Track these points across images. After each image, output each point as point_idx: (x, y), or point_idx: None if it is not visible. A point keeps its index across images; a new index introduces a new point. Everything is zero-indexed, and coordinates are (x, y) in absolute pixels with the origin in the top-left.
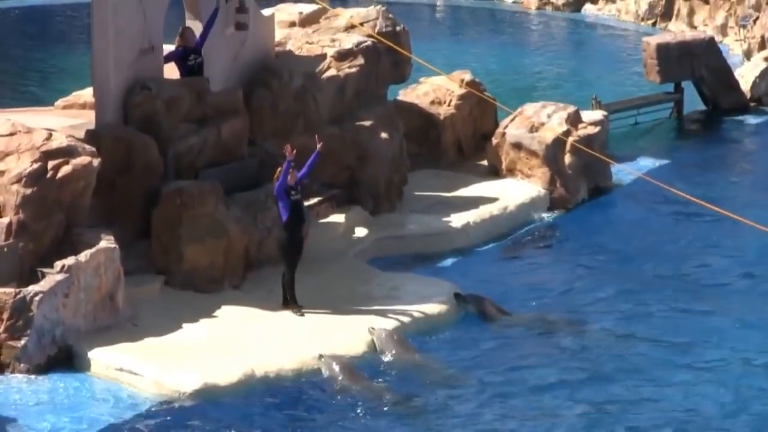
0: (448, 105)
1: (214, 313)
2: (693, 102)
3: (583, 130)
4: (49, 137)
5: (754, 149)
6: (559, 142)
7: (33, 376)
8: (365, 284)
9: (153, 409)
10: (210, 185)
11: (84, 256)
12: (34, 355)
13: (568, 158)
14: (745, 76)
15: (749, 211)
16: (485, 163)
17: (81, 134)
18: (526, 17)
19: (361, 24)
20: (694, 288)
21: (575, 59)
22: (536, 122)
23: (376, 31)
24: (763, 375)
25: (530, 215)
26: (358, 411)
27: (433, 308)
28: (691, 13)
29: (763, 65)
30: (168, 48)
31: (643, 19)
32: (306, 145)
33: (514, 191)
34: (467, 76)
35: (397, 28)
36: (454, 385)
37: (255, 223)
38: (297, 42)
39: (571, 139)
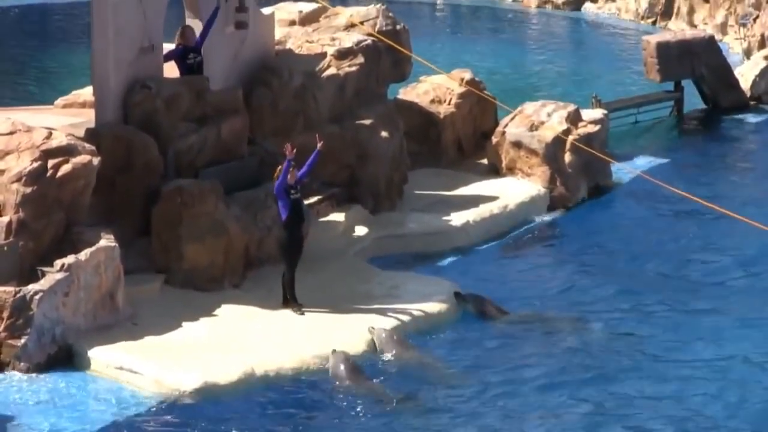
0: (448, 104)
1: (214, 312)
2: (693, 101)
3: (583, 129)
4: (49, 136)
5: (754, 148)
6: (559, 141)
7: (33, 375)
8: (365, 283)
9: (153, 407)
10: (210, 184)
11: (84, 254)
12: (34, 354)
13: (568, 157)
14: (745, 75)
15: (749, 210)
16: (485, 161)
17: (81, 133)
18: (526, 16)
19: (361, 23)
20: (694, 286)
21: (575, 58)
22: (536, 121)
23: (376, 29)
24: (764, 373)
25: (530, 214)
26: (358, 410)
27: (433, 307)
28: (691, 11)
29: (763, 64)
30: (168, 47)
31: (643, 18)
32: (306, 144)
33: (514, 190)
34: (467, 75)
35: (397, 27)
36: (455, 385)
37: (255, 222)
38: (297, 41)
39: (571, 138)
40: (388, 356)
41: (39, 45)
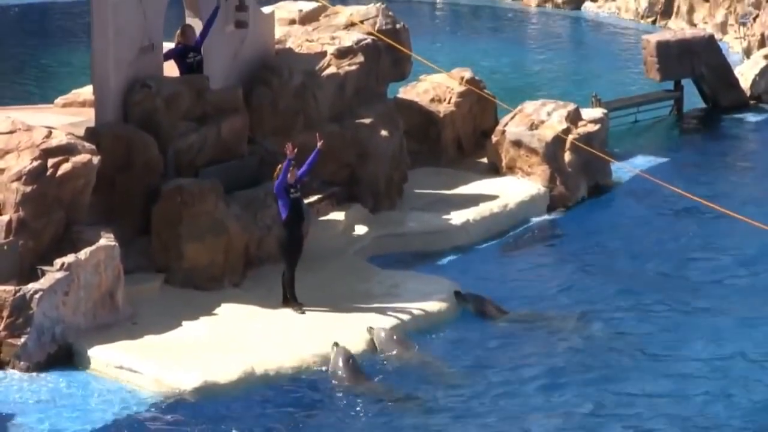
0: (448, 102)
1: (214, 311)
2: (693, 100)
3: (583, 128)
4: (48, 135)
5: (754, 147)
6: (559, 140)
7: (33, 374)
8: (365, 282)
9: (153, 407)
10: (210, 183)
11: (84, 254)
12: (34, 353)
13: (568, 156)
14: (745, 74)
15: (749, 209)
16: (485, 160)
17: (81, 132)
18: (526, 15)
19: (361, 22)
20: (693, 285)
21: (575, 57)
22: (536, 120)
23: (376, 28)
24: (765, 371)
25: (530, 213)
26: (358, 409)
27: (433, 306)
28: (691, 10)
29: (762, 63)
30: (168, 46)
31: (642, 17)
32: (306, 143)
33: (513, 189)
34: (467, 74)
35: (397, 26)
36: (455, 384)
37: (255, 221)
38: (297, 40)
39: (571, 137)
40: (388, 356)
41: (39, 44)
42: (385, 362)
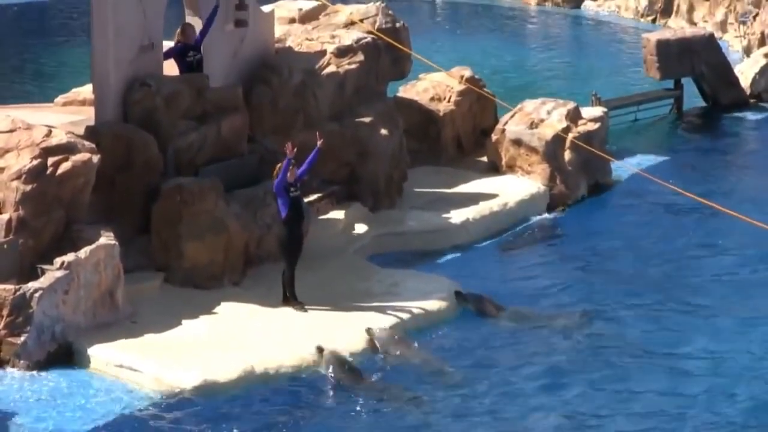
0: (448, 101)
1: (214, 310)
2: (693, 98)
3: (583, 127)
4: (48, 134)
5: (754, 145)
6: (558, 139)
7: (33, 373)
8: (365, 281)
9: (153, 405)
10: (210, 182)
11: (84, 252)
12: (34, 352)
13: (567, 155)
14: (745, 73)
15: (749, 208)
16: (485, 159)
17: (81, 131)
18: (526, 14)
19: (361, 20)
20: (693, 284)
21: (575, 56)
22: (536, 119)
23: (375, 27)
24: (766, 369)
25: (530, 212)
26: (358, 408)
27: (433, 305)
28: (691, 9)
29: (762, 62)
30: (167, 45)
31: (642, 16)
32: (306, 142)
33: (513, 188)
34: (467, 73)
35: (397, 25)
36: (455, 383)
37: (255, 220)
38: (297, 38)
39: (570, 136)
40: (389, 355)
41: (38, 43)
42: (385, 362)
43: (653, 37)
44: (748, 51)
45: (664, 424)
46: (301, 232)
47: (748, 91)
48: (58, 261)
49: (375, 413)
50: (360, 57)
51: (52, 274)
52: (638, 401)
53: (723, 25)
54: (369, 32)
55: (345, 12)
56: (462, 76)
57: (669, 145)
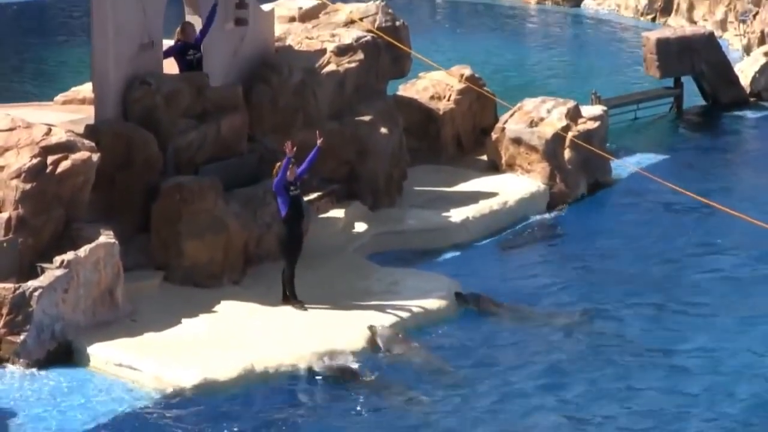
0: (448, 100)
1: (214, 309)
2: (693, 97)
3: (583, 126)
4: (48, 132)
5: (754, 144)
6: (558, 137)
7: (32, 372)
8: (365, 279)
9: (152, 404)
10: (209, 181)
11: (83, 251)
12: (34, 351)
13: (567, 153)
14: (745, 71)
15: (748, 206)
16: (485, 158)
17: (80, 129)
18: (525, 12)
19: (361, 19)
20: (693, 282)
21: (575, 54)
22: (536, 117)
23: (375, 26)
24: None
25: (530, 211)
26: (358, 407)
27: (433, 303)
28: (691, 8)
29: (762, 60)
30: (167, 43)
31: (642, 14)
32: (306, 141)
33: (513, 186)
34: (467, 71)
35: (397, 24)
36: (456, 382)
37: (254, 219)
38: (296, 37)
39: (570, 135)
40: (391, 354)
41: (38, 41)
42: (386, 360)
43: (653, 35)
44: (748, 49)
45: (664, 422)
46: (300, 230)
47: (748, 90)
48: (57, 259)
49: (375, 412)
50: (360, 56)
51: (51, 272)
52: (639, 399)
53: (723, 24)
54: (369, 31)
55: (345, 11)
56: (462, 75)
57: (669, 144)
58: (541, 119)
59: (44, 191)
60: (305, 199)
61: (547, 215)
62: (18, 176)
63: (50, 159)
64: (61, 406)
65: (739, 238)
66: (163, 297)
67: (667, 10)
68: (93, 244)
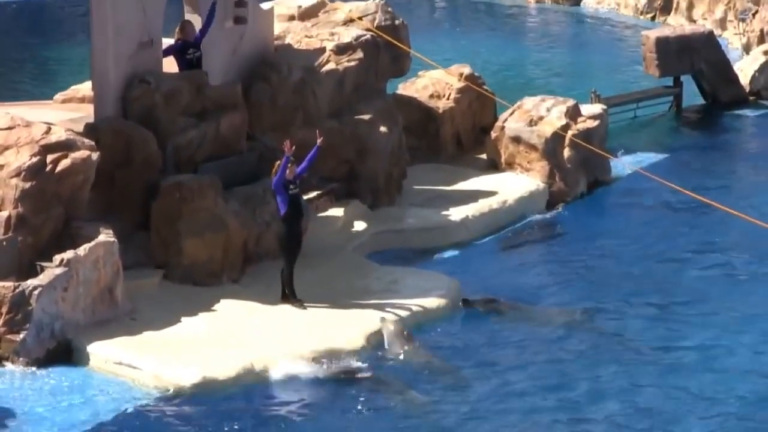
0: (447, 99)
1: (213, 307)
2: (692, 96)
3: (582, 124)
4: (48, 131)
5: (753, 143)
6: (558, 136)
7: (32, 370)
8: (364, 278)
9: (152, 402)
10: (209, 179)
11: (83, 249)
12: (33, 349)
13: (567, 152)
14: (744, 70)
15: (747, 205)
16: (484, 156)
17: (80, 128)
18: (525, 11)
19: (360, 18)
20: (692, 281)
21: (574, 53)
22: (535, 116)
23: (375, 24)
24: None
25: (529, 209)
26: (359, 406)
27: (432, 302)
28: (690, 6)
29: (762, 59)
30: (167, 42)
31: (642, 13)
32: (305, 140)
33: (513, 185)
34: (466, 70)
35: (396, 22)
36: (456, 381)
37: (254, 217)
38: (296, 36)
39: (570, 133)
40: (393, 351)
41: (37, 40)
42: (386, 359)
43: (652, 34)
44: (747, 48)
45: (665, 421)
46: (300, 229)
47: (747, 89)
48: (57, 258)
49: (375, 411)
50: (359, 54)
51: (51, 271)
52: (639, 398)
53: (722, 23)
54: (368, 30)
55: (344, 9)
56: (461, 74)
57: (668, 143)
58: (541, 118)
59: (44, 190)
60: (304, 197)
61: (546, 214)
62: (17, 175)
63: (50, 158)
64: (61, 404)
65: (739, 237)
66: (163, 295)
67: (666, 8)
68: (92, 243)
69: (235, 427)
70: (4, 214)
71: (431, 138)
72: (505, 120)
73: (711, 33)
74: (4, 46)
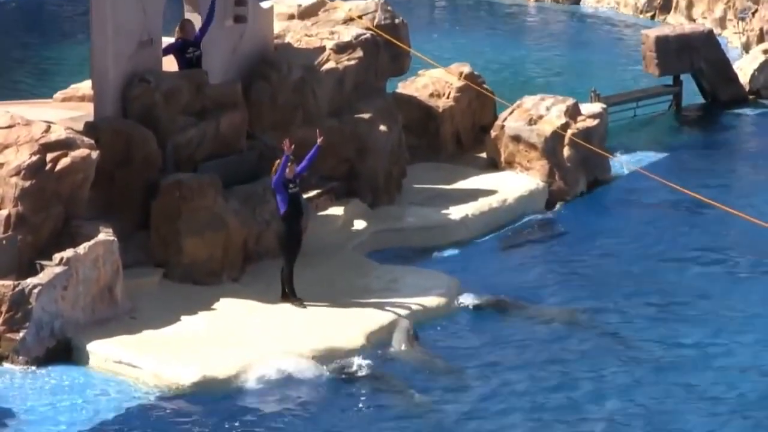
0: (447, 97)
1: (213, 306)
2: (692, 95)
3: (582, 123)
4: (47, 129)
5: (753, 142)
6: (557, 135)
7: (32, 369)
8: (364, 277)
9: (151, 401)
10: (209, 178)
11: (83, 248)
12: (33, 348)
13: (566, 151)
14: (744, 69)
15: (747, 204)
16: (484, 155)
17: (80, 127)
18: (524, 10)
19: (360, 17)
20: (692, 280)
21: (574, 52)
22: (535, 115)
23: (374, 23)
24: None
25: (529, 208)
26: (360, 405)
27: (432, 301)
28: (690, 5)
29: (761, 58)
30: (167, 41)
31: (641, 12)
32: (305, 138)
33: (512, 184)
34: (466, 69)
35: (396, 21)
36: (455, 380)
37: (254, 216)
38: (296, 34)
39: (569, 133)
40: (398, 350)
41: (37, 38)
42: (387, 358)
43: (652, 33)
44: (747, 47)
45: (666, 419)
46: (299, 228)
47: (747, 88)
48: (57, 257)
49: (375, 411)
50: (359, 53)
51: (51, 269)
52: (641, 396)
53: (722, 22)
54: (368, 28)
55: (344, 8)
56: (461, 73)
57: (668, 142)
58: (540, 117)
59: (43, 188)
60: (304, 196)
61: (546, 213)
62: (17, 173)
63: (49, 156)
64: (61, 403)
65: (738, 236)
66: (163, 294)
67: (666, 7)
68: (92, 242)
69: (235, 425)
70: (4, 212)
71: (431, 137)
72: (505, 119)
73: (711, 32)
74: (4, 45)
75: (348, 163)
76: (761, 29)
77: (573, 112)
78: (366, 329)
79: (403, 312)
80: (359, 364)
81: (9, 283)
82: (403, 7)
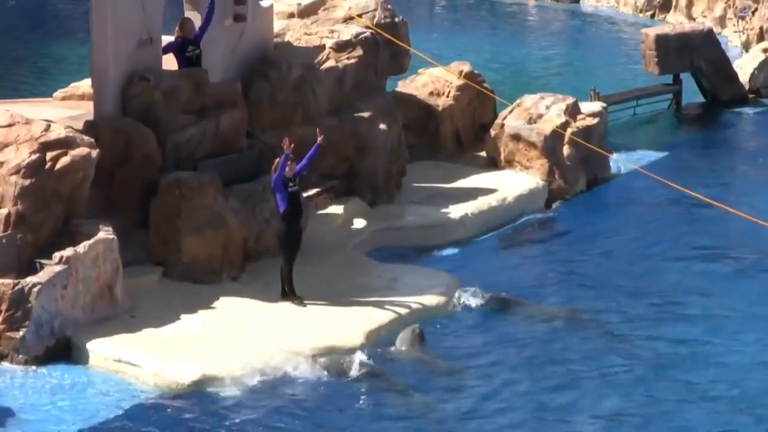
0: (447, 96)
1: (213, 305)
2: (692, 94)
3: (582, 122)
4: (47, 128)
5: (753, 141)
6: (557, 134)
7: (31, 368)
8: (363, 276)
9: (151, 400)
10: (209, 177)
11: (82, 247)
12: (33, 347)
13: (566, 150)
14: (744, 68)
15: (746, 203)
16: (484, 154)
17: (79, 125)
18: (524, 9)
19: (360, 15)
20: (692, 279)
21: (574, 51)
22: (535, 114)
23: (374, 22)
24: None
25: (528, 207)
26: (360, 405)
27: (432, 300)
28: (690, 4)
29: (761, 57)
30: (167, 39)
31: (641, 11)
32: (305, 137)
33: (512, 183)
34: (466, 68)
35: (396, 20)
36: (455, 380)
37: (253, 215)
38: (295, 33)
39: (569, 131)
40: (397, 350)
41: (37, 37)
42: (387, 358)
43: (652, 32)
44: (746, 46)
45: (667, 418)
46: (299, 227)
47: (746, 87)
48: (56, 255)
49: (375, 410)
50: (359, 52)
51: (50, 268)
52: (640, 396)
53: (722, 21)
54: (368, 27)
55: (344, 7)
56: (461, 71)
57: (668, 141)
58: (540, 116)
59: (43, 187)
60: (304, 195)
61: (546, 212)
62: (17, 172)
63: (49, 155)
64: (60, 402)
65: (738, 235)
66: (162, 293)
67: (666, 6)
68: (92, 240)
69: (234, 424)
70: (4, 211)
71: (431, 135)
72: (505, 118)
73: (710, 31)
74: (4, 44)
75: (348, 161)
76: (761, 28)
77: (573, 111)
78: (366, 328)
79: (403, 311)
80: (359, 363)
81: (9, 281)
82: (403, 5)
